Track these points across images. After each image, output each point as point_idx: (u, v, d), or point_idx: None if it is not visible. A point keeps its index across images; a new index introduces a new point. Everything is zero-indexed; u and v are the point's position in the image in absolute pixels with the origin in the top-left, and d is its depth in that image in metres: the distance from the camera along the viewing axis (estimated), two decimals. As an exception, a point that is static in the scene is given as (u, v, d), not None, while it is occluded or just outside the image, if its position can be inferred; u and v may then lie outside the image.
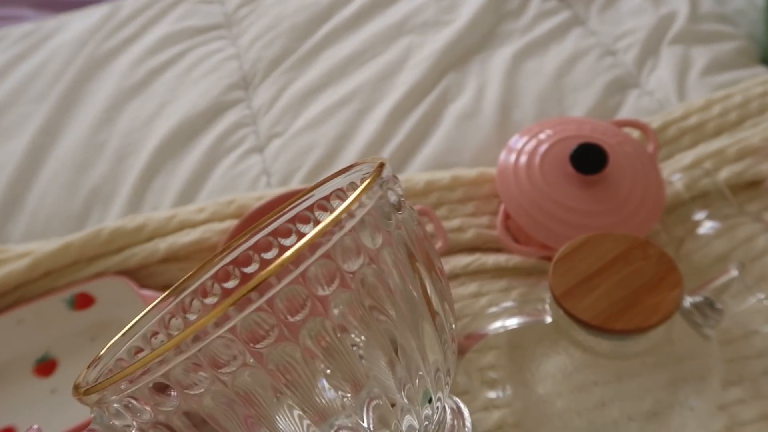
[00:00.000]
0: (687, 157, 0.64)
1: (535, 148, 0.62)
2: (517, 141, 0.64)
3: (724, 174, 0.63)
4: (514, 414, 0.51)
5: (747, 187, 0.63)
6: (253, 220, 0.60)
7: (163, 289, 0.59)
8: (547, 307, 0.44)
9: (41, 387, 0.55)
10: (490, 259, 0.60)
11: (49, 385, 0.56)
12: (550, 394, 0.48)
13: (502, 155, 0.64)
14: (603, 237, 0.45)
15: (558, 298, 0.42)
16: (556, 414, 0.47)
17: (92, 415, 0.27)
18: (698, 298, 0.45)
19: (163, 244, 0.61)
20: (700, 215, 0.58)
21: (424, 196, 0.65)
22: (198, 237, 0.62)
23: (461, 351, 0.47)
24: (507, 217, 0.61)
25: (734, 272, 0.44)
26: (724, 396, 0.50)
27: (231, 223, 0.62)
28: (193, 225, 0.63)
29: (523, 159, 0.62)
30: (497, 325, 0.46)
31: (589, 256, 0.44)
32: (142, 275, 0.61)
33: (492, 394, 0.50)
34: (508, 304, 0.47)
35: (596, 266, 0.43)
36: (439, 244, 0.56)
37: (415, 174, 0.68)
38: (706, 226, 0.57)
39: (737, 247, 0.57)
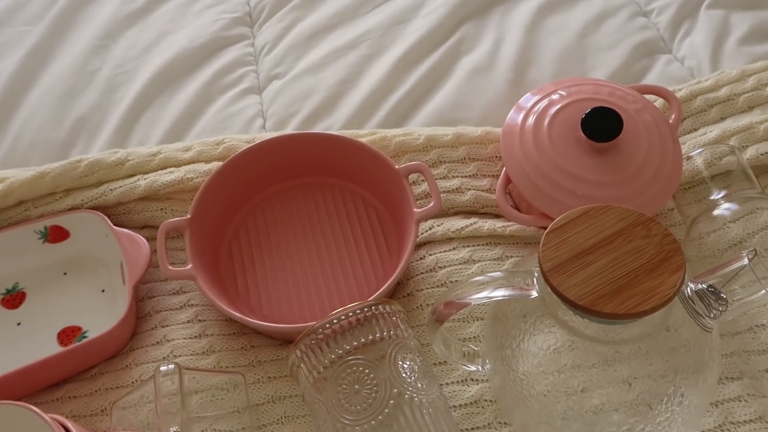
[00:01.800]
0: (712, 131, 0.59)
1: (546, 108, 0.57)
2: (528, 100, 0.59)
3: (750, 153, 0.57)
4: (491, 390, 0.48)
5: (773, 169, 0.58)
6: (238, 163, 0.57)
7: (140, 228, 0.57)
8: (535, 281, 0.41)
9: (7, 318, 0.54)
10: (486, 225, 0.56)
11: (16, 317, 0.54)
12: (529, 374, 0.44)
13: (510, 114, 0.59)
14: (604, 209, 0.40)
15: (546, 272, 0.38)
16: (534, 395, 0.44)
17: None
18: (702, 285, 0.41)
19: (143, 182, 0.58)
20: (717, 195, 0.53)
21: (423, 152, 0.61)
22: (181, 177, 0.58)
23: (440, 319, 0.44)
24: (508, 181, 0.57)
25: (745, 260, 0.40)
26: (719, 392, 0.46)
27: (216, 165, 0.59)
28: (177, 164, 0.60)
29: (531, 120, 0.57)
30: (481, 295, 0.42)
31: (587, 229, 0.40)
32: (119, 212, 0.58)
33: (471, 367, 0.47)
34: (496, 274, 0.43)
35: (592, 241, 0.39)
36: (430, 205, 0.52)
37: (416, 128, 0.64)
38: (723, 207, 0.52)
39: (755, 234, 0.53)
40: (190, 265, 0.50)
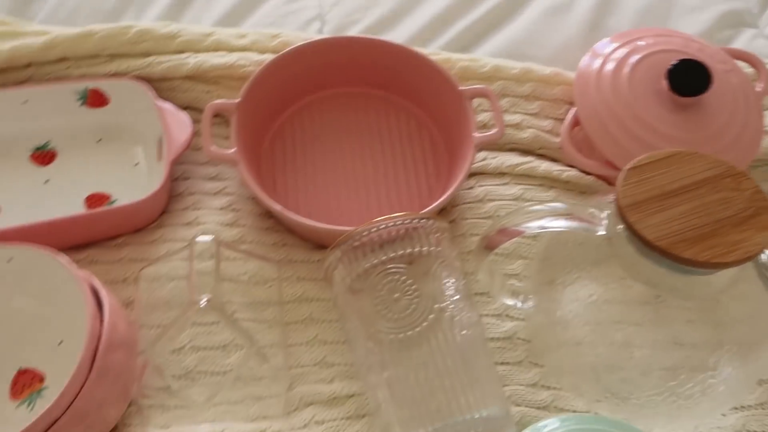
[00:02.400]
0: (794, 110, 0.56)
1: (628, 55, 0.54)
2: (605, 45, 0.56)
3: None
4: (528, 329, 0.46)
5: None
6: (293, 58, 0.54)
7: (182, 107, 0.54)
8: (604, 217, 0.38)
9: (36, 174, 0.51)
10: (543, 166, 0.54)
11: (44, 174, 0.51)
12: (572, 320, 0.42)
13: (585, 59, 0.56)
14: (692, 156, 0.38)
15: (623, 208, 0.35)
16: (572, 341, 0.42)
17: None
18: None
19: (193, 60, 0.55)
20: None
21: (487, 81, 0.58)
22: (232, 62, 0.55)
23: (490, 246, 0.42)
24: (575, 124, 0.54)
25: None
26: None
27: (269, 57, 0.56)
28: (230, 49, 0.57)
29: (610, 66, 0.54)
30: (537, 224, 0.40)
31: (672, 172, 0.37)
32: (163, 87, 0.55)
33: (511, 302, 0.45)
34: (557, 204, 0.40)
35: (677, 185, 0.36)
36: (493, 131, 0.49)
37: (483, 56, 0.60)
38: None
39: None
40: (234, 149, 0.48)
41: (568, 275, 0.43)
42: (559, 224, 0.39)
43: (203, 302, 0.36)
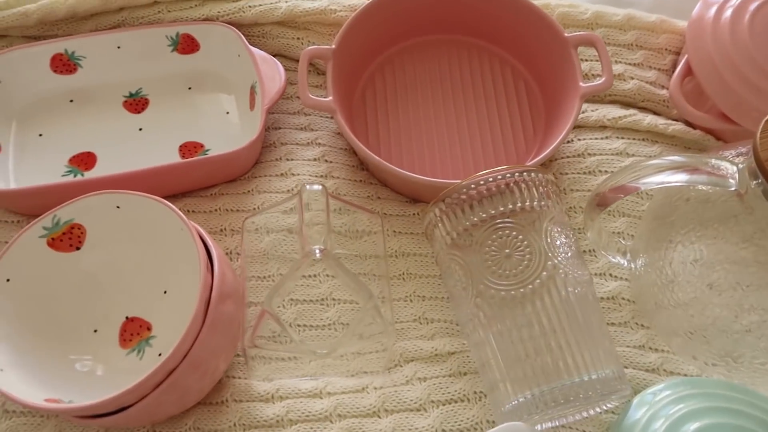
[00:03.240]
0: None
1: (745, 2, 0.49)
2: (719, -8, 0.52)
3: None
4: (633, 289, 0.44)
5: None
6: (385, 3, 0.51)
7: (272, 55, 0.53)
8: (734, 172, 0.36)
9: (129, 122, 0.51)
10: (647, 119, 0.51)
11: (138, 122, 0.51)
12: (688, 280, 0.40)
13: (698, 6, 0.52)
14: (841, 107, 0.34)
15: (763, 161, 0.33)
16: (686, 302, 0.40)
17: None
18: None
19: (284, 4, 0.53)
20: None
21: (587, 28, 0.55)
22: (324, 6, 0.54)
23: (602, 203, 0.40)
24: (686, 74, 0.50)
25: None
26: None
27: (362, 1, 0.54)
28: (319, -7, 0.55)
29: (728, 13, 0.49)
30: (657, 179, 0.37)
31: (819, 125, 0.34)
32: (254, 33, 0.54)
33: (620, 260, 0.43)
34: (676, 157, 0.38)
35: (825, 138, 0.33)
36: (601, 80, 0.46)
37: (583, 2, 0.57)
38: None
39: None
40: (330, 98, 0.46)
41: (688, 234, 0.40)
42: (683, 178, 0.36)
43: (318, 253, 0.36)
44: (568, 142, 0.50)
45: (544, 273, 0.37)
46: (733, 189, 0.35)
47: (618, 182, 0.39)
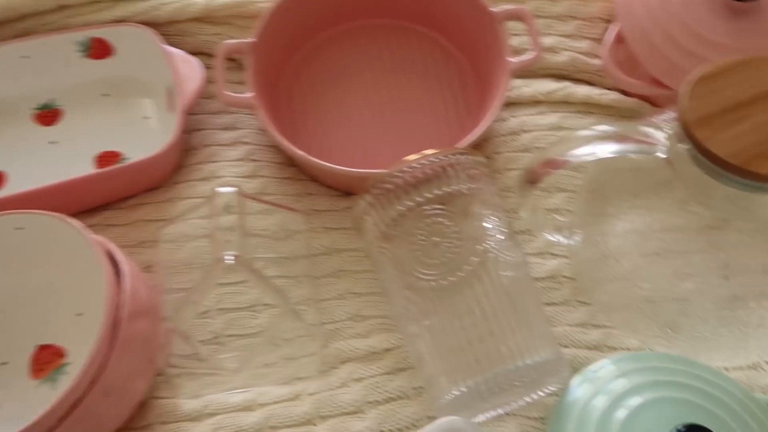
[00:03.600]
0: None
1: (673, -37, 0.48)
2: (648, -47, 0.50)
3: None
4: (573, 266, 0.43)
5: None
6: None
7: (191, 53, 0.50)
8: (662, 138, 0.34)
9: (41, 135, 0.48)
10: (581, 90, 0.49)
11: (50, 135, 0.48)
12: (624, 252, 0.39)
13: (627, -32, 0.50)
14: (765, 61, 0.33)
15: (689, 124, 0.31)
16: (624, 275, 0.39)
17: None
18: None
19: (200, -1, 0.51)
20: None
21: (519, 2, 0.53)
22: (242, -1, 0.51)
23: (533, 180, 0.38)
24: (618, 42, 0.49)
25: None
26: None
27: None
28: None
29: (655, -25, 0.48)
30: (586, 150, 0.36)
31: (744, 81, 0.33)
32: (170, 32, 0.51)
33: (556, 238, 0.42)
34: (605, 127, 0.36)
35: (750, 93, 0.32)
36: (529, 55, 0.45)
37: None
38: None
39: None
40: (252, 93, 0.44)
41: (621, 205, 0.39)
42: (612, 148, 0.35)
43: (229, 259, 0.33)
44: (503, 120, 0.48)
45: (475, 259, 0.35)
46: (662, 156, 0.34)
47: (548, 157, 0.37)
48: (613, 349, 0.39)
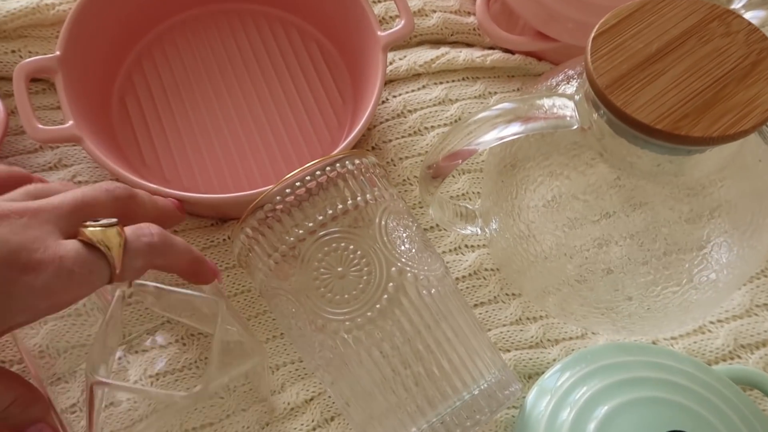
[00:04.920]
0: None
1: None
2: None
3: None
4: (494, 255, 0.39)
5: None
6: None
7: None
8: (572, 108, 0.30)
9: None
10: (462, 55, 0.44)
11: None
12: (541, 231, 0.35)
13: None
14: (665, 2, 0.29)
15: (602, 89, 0.27)
16: (543, 257, 0.35)
17: None
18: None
19: None
20: (738, 3, 0.44)
21: (371, -37, 0.46)
22: (36, 2, 0.41)
23: (438, 174, 0.33)
24: (489, -5, 0.44)
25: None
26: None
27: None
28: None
29: None
30: (491, 135, 0.31)
31: (647, 30, 0.29)
32: (-52, 59, 0.40)
33: (470, 230, 0.37)
34: (506, 105, 0.32)
35: (657, 44, 0.28)
36: (400, 25, 0.39)
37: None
38: (748, 17, 0.42)
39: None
40: (70, 122, 0.35)
41: (532, 174, 0.35)
42: (520, 129, 0.30)
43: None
44: (384, 102, 0.43)
45: (390, 284, 0.30)
46: (575, 127, 0.30)
47: (451, 148, 0.32)
48: (555, 341, 0.36)
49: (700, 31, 0.29)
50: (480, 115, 0.32)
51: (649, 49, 0.28)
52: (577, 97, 0.30)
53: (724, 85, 0.27)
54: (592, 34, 0.28)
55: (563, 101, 0.30)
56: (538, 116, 0.30)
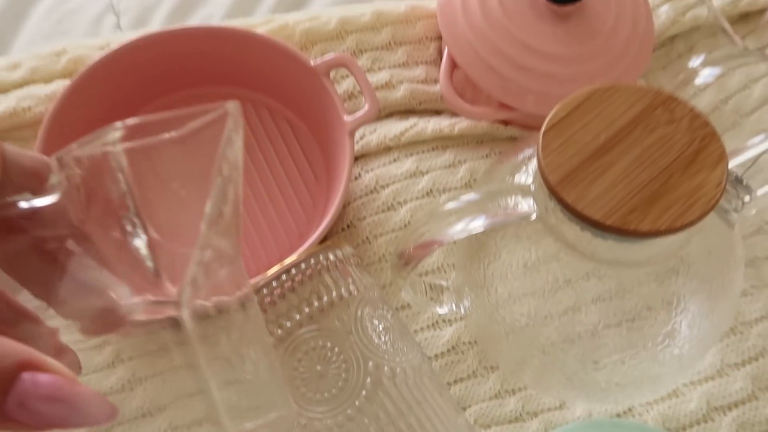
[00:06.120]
0: (670, -19, 0.51)
1: (487, -30, 0.45)
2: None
3: (715, 3, 0.49)
4: (470, 328, 0.40)
5: (739, 21, 0.51)
6: (93, 79, 0.41)
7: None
8: (531, 199, 0.31)
9: None
10: (430, 125, 0.46)
11: None
12: (514, 298, 0.36)
13: (441, -16, 0.47)
14: (609, 91, 0.31)
15: (554, 186, 0.28)
16: (515, 327, 0.36)
17: None
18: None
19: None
20: (695, 61, 0.45)
21: (337, 39, 0.48)
22: (12, 106, 0.42)
23: (410, 262, 0.34)
24: (452, 66, 0.45)
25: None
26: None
27: (61, 85, 0.43)
28: (4, 89, 0.43)
29: (472, -14, 0.45)
30: (458, 228, 0.32)
31: (594, 121, 0.30)
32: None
33: (443, 309, 0.38)
34: (471, 197, 0.33)
35: (605, 135, 0.30)
36: (365, 109, 0.40)
37: (323, 9, 0.50)
38: (705, 74, 0.44)
39: (728, 99, 0.46)
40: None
41: (498, 245, 0.36)
42: (485, 223, 0.32)
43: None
44: (356, 178, 0.44)
45: (368, 380, 0.31)
46: (534, 218, 0.31)
47: (422, 239, 0.33)
48: (534, 414, 0.37)
49: (645, 119, 0.30)
50: (448, 207, 0.33)
51: (598, 140, 0.29)
52: (532, 187, 0.31)
53: (669, 175, 0.28)
54: (543, 128, 0.30)
55: (521, 198, 0.31)
56: (500, 213, 0.31)
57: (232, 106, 0.23)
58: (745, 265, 0.42)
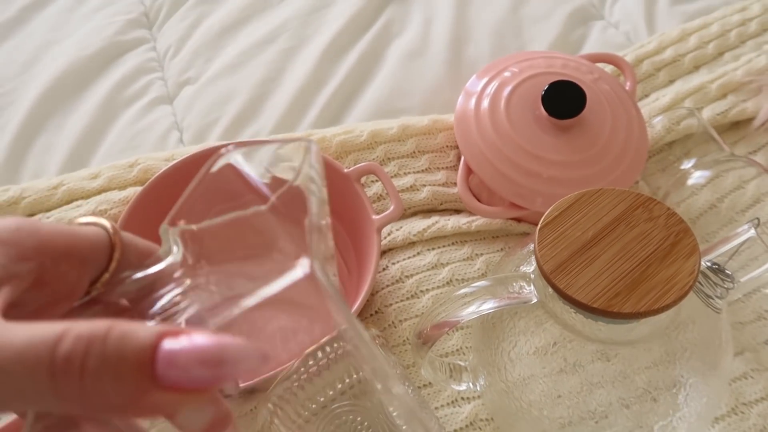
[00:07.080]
0: (665, 95, 0.57)
1: (499, 89, 0.52)
2: (475, 83, 0.55)
3: (707, 113, 0.55)
4: (487, 405, 0.43)
5: (730, 128, 0.56)
6: (160, 186, 0.49)
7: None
8: (532, 286, 0.36)
9: None
10: (450, 223, 0.51)
11: None
12: (526, 378, 0.40)
13: (460, 100, 0.54)
14: (597, 194, 0.36)
15: (548, 275, 0.33)
16: (530, 405, 0.40)
17: None
18: (706, 264, 0.37)
19: (47, 221, 0.48)
20: (688, 164, 0.50)
21: (368, 150, 0.55)
22: (92, 210, 0.50)
23: (427, 341, 0.39)
24: (468, 171, 0.52)
25: (751, 231, 0.37)
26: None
27: (133, 191, 0.51)
28: (85, 195, 0.51)
29: (485, 103, 0.52)
30: (470, 310, 0.37)
31: (583, 219, 0.35)
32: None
33: (462, 386, 0.42)
34: (482, 283, 0.38)
35: (592, 231, 0.35)
36: (390, 209, 0.46)
37: (356, 124, 0.58)
38: (696, 176, 0.49)
39: (724, 197, 0.51)
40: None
41: (511, 335, 0.40)
42: (494, 305, 0.36)
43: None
44: (384, 269, 0.49)
45: (391, 449, 0.35)
46: (534, 302, 0.36)
47: (438, 320, 0.38)
48: (545, 488, 0.40)
49: (627, 217, 0.35)
50: (461, 291, 0.38)
51: (586, 236, 0.34)
52: (533, 275, 0.36)
53: (648, 265, 0.33)
54: (539, 225, 0.35)
55: (526, 281, 0.36)
56: (506, 297, 0.36)
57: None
58: (745, 350, 0.45)
